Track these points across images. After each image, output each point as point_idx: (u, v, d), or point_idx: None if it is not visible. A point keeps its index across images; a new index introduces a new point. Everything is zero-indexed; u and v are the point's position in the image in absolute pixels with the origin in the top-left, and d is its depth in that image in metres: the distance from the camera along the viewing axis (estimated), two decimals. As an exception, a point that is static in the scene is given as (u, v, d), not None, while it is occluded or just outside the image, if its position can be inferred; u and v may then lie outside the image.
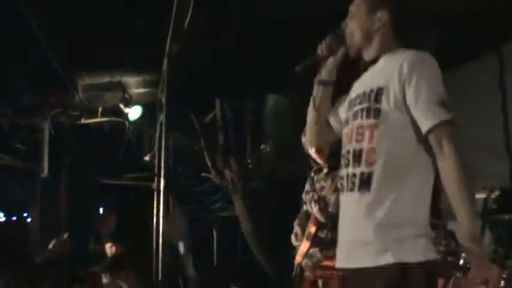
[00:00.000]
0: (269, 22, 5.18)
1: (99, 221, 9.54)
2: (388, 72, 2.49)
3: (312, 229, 4.30)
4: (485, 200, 4.22)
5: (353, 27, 2.67)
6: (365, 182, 2.46)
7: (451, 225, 4.03)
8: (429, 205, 2.44)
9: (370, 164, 2.46)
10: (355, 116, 2.58)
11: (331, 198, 4.24)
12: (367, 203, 2.45)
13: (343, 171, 2.60)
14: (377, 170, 2.44)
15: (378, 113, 2.48)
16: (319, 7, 4.79)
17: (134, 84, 7.74)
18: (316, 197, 4.36)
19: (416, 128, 2.43)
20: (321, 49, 2.75)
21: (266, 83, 7.21)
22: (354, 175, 2.51)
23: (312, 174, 4.59)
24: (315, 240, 4.28)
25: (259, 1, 4.83)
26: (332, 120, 2.84)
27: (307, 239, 4.33)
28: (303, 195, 4.58)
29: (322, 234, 4.28)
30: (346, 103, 2.72)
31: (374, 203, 2.43)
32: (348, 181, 2.55)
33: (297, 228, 4.53)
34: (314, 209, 4.30)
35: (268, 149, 9.01)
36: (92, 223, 9.43)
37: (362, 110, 2.54)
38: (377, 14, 2.61)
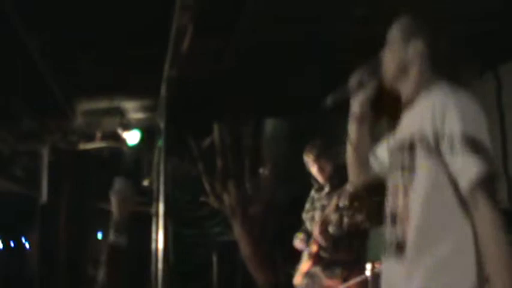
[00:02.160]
0: (268, 47, 5.22)
1: (97, 246, 9.51)
2: (421, 118, 2.22)
3: (314, 248, 4.29)
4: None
5: (387, 57, 2.42)
6: (400, 247, 2.21)
7: None
8: (473, 272, 2.10)
9: (404, 226, 2.21)
10: (391, 172, 2.36)
11: (334, 217, 4.24)
12: (404, 270, 2.20)
13: (386, 233, 2.35)
14: (410, 234, 2.19)
15: (412, 168, 2.22)
16: (318, 32, 4.83)
17: (133, 109, 7.77)
18: (316, 217, 4.38)
19: (454, 185, 2.12)
20: (352, 82, 2.52)
21: (264, 107, 7.24)
22: (391, 239, 2.28)
23: (313, 193, 4.60)
24: (317, 260, 4.28)
25: (257, 27, 4.86)
26: (373, 160, 2.58)
27: (308, 258, 4.33)
28: (303, 214, 4.59)
29: (324, 254, 4.27)
30: (387, 148, 2.46)
31: (410, 270, 2.17)
32: (387, 246, 2.31)
33: (299, 234, 4.53)
34: (315, 232, 4.30)
35: (266, 173, 9.01)
36: (91, 248, 9.40)
37: (397, 165, 2.30)
38: (411, 44, 2.33)
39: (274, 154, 9.11)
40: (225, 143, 8.91)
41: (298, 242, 4.53)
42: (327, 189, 4.45)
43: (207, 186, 9.02)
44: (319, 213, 4.40)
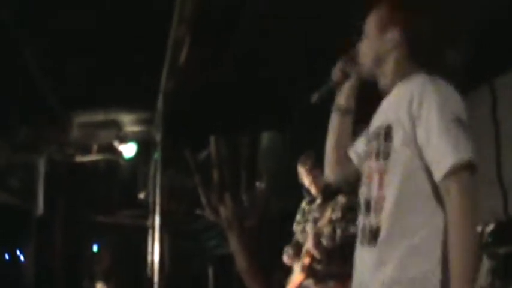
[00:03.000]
0: (265, 59, 5.23)
1: (93, 259, 9.50)
2: (398, 105, 2.18)
3: (306, 260, 4.29)
4: (481, 233, 4.22)
5: (364, 49, 2.37)
6: (373, 235, 2.16)
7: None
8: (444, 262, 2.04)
9: (377, 214, 2.16)
10: (366, 157, 2.31)
11: (326, 230, 4.24)
12: (375, 258, 2.15)
13: (358, 220, 2.30)
14: (384, 221, 2.13)
15: (387, 154, 2.16)
16: (315, 45, 4.84)
17: (129, 121, 7.78)
18: (308, 229, 4.37)
19: (429, 173, 2.07)
20: (335, 74, 2.48)
21: (261, 119, 7.24)
22: (365, 227, 2.22)
23: (303, 204, 4.60)
24: (310, 272, 4.27)
25: (255, 39, 4.88)
26: (352, 154, 2.51)
27: (301, 271, 4.32)
28: (294, 226, 4.59)
29: (317, 266, 4.26)
30: (364, 137, 2.42)
31: (381, 258, 2.13)
32: (360, 233, 2.26)
33: (288, 249, 4.52)
34: (309, 244, 4.30)
35: (262, 186, 9.01)
36: (86, 261, 9.39)
37: (372, 150, 2.24)
38: (388, 33, 2.28)
39: (270, 167, 9.11)
40: (221, 155, 8.91)
41: (286, 258, 4.52)
42: (318, 201, 4.45)
43: (203, 199, 9.02)
44: (311, 225, 4.40)
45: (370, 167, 2.25)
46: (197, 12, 4.36)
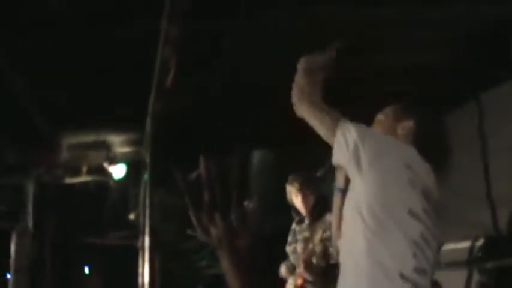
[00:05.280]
0: (254, 80, 5.24)
1: (84, 281, 9.44)
2: None
3: (299, 281, 4.28)
4: (471, 248, 4.23)
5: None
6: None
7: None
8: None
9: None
10: None
11: (318, 249, 4.23)
12: None
13: None
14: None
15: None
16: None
17: (118, 142, 7.75)
18: (299, 249, 4.36)
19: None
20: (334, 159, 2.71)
21: (251, 139, 7.25)
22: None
23: (294, 225, 4.60)
24: None
25: (243, 60, 4.89)
26: None
27: (294, 292, 4.31)
28: (286, 247, 4.59)
29: (310, 287, 4.25)
30: None
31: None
32: None
33: (287, 263, 4.51)
34: (300, 269, 4.29)
35: (251, 205, 9.01)
36: (77, 283, 9.32)
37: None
38: (402, 122, 2.58)
39: (262, 185, 9.11)
40: (211, 175, 8.89)
41: (284, 270, 4.51)
42: (307, 221, 4.44)
43: (193, 219, 8.98)
44: (302, 245, 4.39)
45: None
46: (183, 34, 4.37)
